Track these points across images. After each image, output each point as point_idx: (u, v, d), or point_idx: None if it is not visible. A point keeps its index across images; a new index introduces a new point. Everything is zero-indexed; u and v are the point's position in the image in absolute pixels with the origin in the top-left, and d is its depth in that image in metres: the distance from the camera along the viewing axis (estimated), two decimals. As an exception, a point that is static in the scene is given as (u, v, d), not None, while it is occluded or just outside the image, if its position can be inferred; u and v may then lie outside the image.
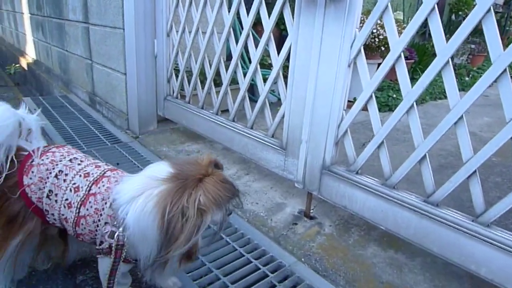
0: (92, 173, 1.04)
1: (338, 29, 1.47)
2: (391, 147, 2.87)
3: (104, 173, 1.06)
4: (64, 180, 1.03)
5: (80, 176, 1.03)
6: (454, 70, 1.30)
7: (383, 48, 3.58)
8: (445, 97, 1.48)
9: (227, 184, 0.96)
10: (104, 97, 3.30)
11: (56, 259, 1.29)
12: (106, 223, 0.97)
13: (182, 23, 2.42)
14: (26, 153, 1.08)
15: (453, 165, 2.54)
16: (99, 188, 1.01)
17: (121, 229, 0.92)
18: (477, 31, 1.18)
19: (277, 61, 1.80)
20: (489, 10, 1.11)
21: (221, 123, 2.23)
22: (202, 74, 2.38)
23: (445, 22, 5.86)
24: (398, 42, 1.35)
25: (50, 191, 1.02)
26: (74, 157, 1.09)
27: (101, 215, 0.98)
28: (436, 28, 1.25)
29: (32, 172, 1.03)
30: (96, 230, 1.00)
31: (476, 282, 1.43)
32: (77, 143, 2.58)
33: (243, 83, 2.03)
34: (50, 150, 1.10)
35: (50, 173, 1.03)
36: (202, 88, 2.39)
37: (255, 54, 1.91)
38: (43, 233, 1.10)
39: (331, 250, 1.60)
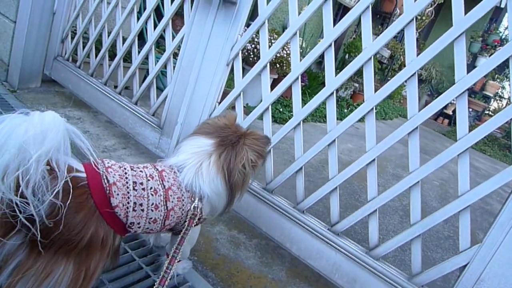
0: (153, 174, 1.11)
1: (225, 31, 1.69)
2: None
3: (157, 169, 1.14)
4: (143, 189, 1.06)
5: (149, 180, 1.08)
6: (337, 101, 1.59)
7: (278, 65, 4.00)
8: (324, 121, 1.70)
9: (262, 139, 1.25)
10: (-16, 42, 3.01)
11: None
12: (189, 203, 1.14)
13: (88, -13, 2.40)
14: (81, 173, 0.98)
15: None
16: (168, 181, 1.11)
17: (196, 201, 1.13)
18: (362, 73, 1.42)
19: (170, 46, 1.95)
20: (370, 58, 1.38)
21: (107, 94, 2.28)
22: (99, 43, 2.39)
23: (339, 59, 6.70)
24: (298, 66, 1.55)
25: (134, 203, 1.03)
26: (130, 167, 1.10)
27: (183, 200, 1.13)
28: (329, 63, 1.48)
29: (115, 191, 1.00)
30: (183, 214, 1.14)
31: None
32: None
33: (136, 60, 2.13)
34: (105, 166, 1.05)
35: (128, 187, 1.03)
36: (96, 56, 2.40)
37: (152, 35, 2.03)
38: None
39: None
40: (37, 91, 2.75)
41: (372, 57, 1.40)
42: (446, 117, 9.94)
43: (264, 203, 1.64)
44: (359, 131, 5.10)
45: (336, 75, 1.47)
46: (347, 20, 1.42)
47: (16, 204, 0.83)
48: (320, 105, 1.54)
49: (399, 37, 8.26)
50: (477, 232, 2.95)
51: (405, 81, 1.32)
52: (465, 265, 1.22)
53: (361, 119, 1.45)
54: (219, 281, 1.49)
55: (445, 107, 9.72)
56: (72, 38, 2.57)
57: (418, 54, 1.29)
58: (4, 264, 0.91)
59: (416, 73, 1.31)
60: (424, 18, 8.07)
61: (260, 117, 1.68)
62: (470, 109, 9.32)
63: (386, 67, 8.11)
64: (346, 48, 6.44)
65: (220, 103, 1.78)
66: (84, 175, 0.98)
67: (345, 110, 5.38)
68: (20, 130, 0.83)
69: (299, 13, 1.54)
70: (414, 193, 1.33)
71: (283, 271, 1.67)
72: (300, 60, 1.56)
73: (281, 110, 4.11)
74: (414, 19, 1.29)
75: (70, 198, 0.90)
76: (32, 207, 0.84)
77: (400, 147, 4.60)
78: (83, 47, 2.49)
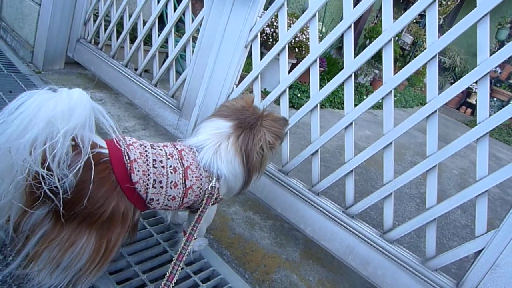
0: (172, 153, 1.13)
1: (243, 12, 1.69)
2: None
3: (177, 148, 1.16)
4: (163, 167, 1.08)
5: (169, 158, 1.11)
6: (356, 88, 1.57)
7: (297, 50, 3.97)
8: (342, 108, 1.66)
9: (280, 120, 1.27)
10: (11, 24, 3.09)
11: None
12: (206, 183, 1.17)
13: (109, -31, 2.43)
14: (103, 149, 1.00)
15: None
16: (187, 161, 1.14)
17: (214, 180, 1.16)
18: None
19: (189, 28, 1.96)
20: (390, 40, 1.37)
21: (128, 75, 2.32)
22: (120, 25, 2.42)
23: (360, 45, 6.58)
24: (316, 47, 1.53)
25: (154, 180, 1.06)
26: (151, 145, 1.12)
27: (201, 179, 1.15)
28: (348, 45, 1.46)
29: (135, 168, 1.03)
30: (200, 193, 1.17)
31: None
32: (-32, 61, 2.43)
33: (156, 42, 2.15)
34: (127, 143, 1.07)
35: (148, 165, 1.06)
36: (117, 39, 2.44)
37: (172, 17, 2.05)
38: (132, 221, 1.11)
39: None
40: (60, 73, 2.82)
41: (392, 39, 1.38)
42: (469, 107, 9.67)
43: (279, 185, 1.66)
44: (377, 118, 5.03)
45: (355, 58, 1.46)
46: (368, 0, 1.40)
47: (42, 176, 0.87)
48: (338, 91, 1.54)
49: (422, 22, 8.02)
50: (496, 222, 2.91)
51: (426, 63, 1.30)
52: (481, 250, 1.21)
53: (380, 106, 1.43)
54: (233, 259, 1.53)
55: (469, 96, 9.45)
56: (94, 20, 2.61)
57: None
58: (32, 233, 0.96)
59: (437, 56, 1.28)
60: (449, 3, 7.80)
61: (277, 102, 1.69)
62: (495, 98, 9.02)
63: (408, 53, 7.92)
64: (367, 33, 6.32)
65: (238, 85, 1.79)
66: (106, 151, 1.01)
67: (364, 97, 5.31)
68: (49, 105, 0.87)
69: (319, -6, 1.52)
70: (430, 177, 1.32)
71: (297, 252, 1.70)
72: (319, 42, 1.55)
73: (298, 96, 4.10)
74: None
75: (93, 173, 0.93)
76: (56, 179, 0.88)
77: (420, 135, 4.53)
78: (105, 30, 2.53)
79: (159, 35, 2.16)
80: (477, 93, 1.21)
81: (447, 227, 2.51)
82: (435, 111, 1.28)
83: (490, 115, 1.18)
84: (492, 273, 1.18)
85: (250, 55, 1.76)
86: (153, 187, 1.06)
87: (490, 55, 1.18)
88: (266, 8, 1.70)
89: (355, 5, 1.44)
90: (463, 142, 1.23)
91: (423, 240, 2.11)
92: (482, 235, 1.21)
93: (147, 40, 2.64)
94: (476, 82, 1.20)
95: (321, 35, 4.77)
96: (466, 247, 1.25)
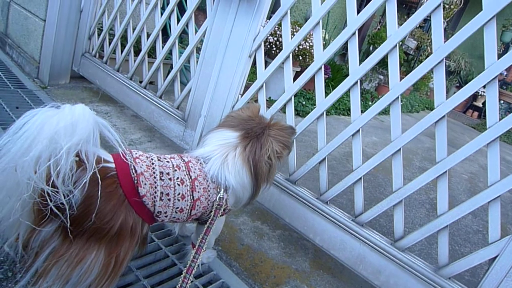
0: (179, 164, 1.13)
1: (247, 22, 1.70)
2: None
3: (183, 159, 1.16)
4: (170, 179, 1.08)
5: (176, 170, 1.10)
6: (361, 94, 1.56)
7: (301, 58, 3.97)
8: (348, 114, 1.64)
9: (287, 129, 1.26)
10: (17, 41, 3.14)
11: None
12: (214, 194, 1.16)
13: (113, -16, 2.46)
14: (110, 163, 1.00)
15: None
16: (194, 172, 1.13)
17: (221, 192, 1.15)
18: (387, 65, 1.40)
19: (193, 39, 1.97)
20: (395, 46, 1.36)
21: (133, 88, 2.33)
22: (124, 39, 2.45)
23: (363, 51, 6.58)
24: (321, 55, 1.53)
25: (161, 193, 1.05)
26: (157, 157, 1.12)
27: (209, 190, 1.15)
28: (353, 51, 1.45)
29: (142, 181, 1.03)
30: (208, 204, 1.16)
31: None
32: (-24, 78, 2.46)
33: (160, 54, 2.16)
34: (133, 157, 1.07)
35: (155, 177, 1.05)
36: (122, 52, 2.46)
37: (176, 29, 2.06)
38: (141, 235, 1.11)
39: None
40: (66, 87, 2.84)
41: (398, 45, 1.37)
42: (476, 110, 9.60)
43: (287, 194, 1.64)
44: (384, 124, 5.01)
45: (360, 64, 1.45)
46: (372, 7, 1.40)
47: (47, 193, 0.86)
48: (343, 97, 1.53)
49: (426, 27, 8.02)
50: (509, 227, 2.85)
51: (432, 68, 1.29)
52: (495, 258, 1.19)
53: (386, 111, 1.41)
54: (243, 271, 1.51)
55: (475, 99, 9.38)
56: (99, 34, 2.64)
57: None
58: (40, 249, 0.96)
59: (444, 60, 1.27)
60: (452, 6, 7.79)
61: (283, 110, 1.68)
62: (502, 101, 8.93)
63: (413, 58, 7.91)
64: (371, 39, 6.32)
65: (243, 95, 1.79)
66: (113, 165, 1.00)
67: (370, 103, 5.30)
68: (52, 122, 0.87)
69: (322, 2, 1.52)
70: (441, 184, 1.30)
71: (307, 262, 1.68)
72: (323, 49, 1.55)
73: (304, 103, 4.09)
74: (441, 4, 1.26)
75: (100, 188, 0.92)
76: (62, 196, 0.88)
77: (427, 140, 4.49)
78: (109, 43, 2.56)
79: (163, 47, 2.18)
80: (484, 96, 1.20)
81: (458, 233, 2.46)
82: (444, 116, 1.26)
83: (500, 119, 1.16)
84: (507, 280, 1.15)
85: (254, 64, 1.76)
86: (161, 199, 1.06)
87: (498, 58, 1.16)
88: (269, 17, 1.70)
89: (358, 11, 1.43)
90: (473, 147, 1.21)
91: (434, 247, 2.07)
92: (495, 242, 1.18)
93: (151, 53, 2.66)
94: (484, 86, 1.18)
95: (324, 43, 4.78)
96: (480, 254, 1.22)
